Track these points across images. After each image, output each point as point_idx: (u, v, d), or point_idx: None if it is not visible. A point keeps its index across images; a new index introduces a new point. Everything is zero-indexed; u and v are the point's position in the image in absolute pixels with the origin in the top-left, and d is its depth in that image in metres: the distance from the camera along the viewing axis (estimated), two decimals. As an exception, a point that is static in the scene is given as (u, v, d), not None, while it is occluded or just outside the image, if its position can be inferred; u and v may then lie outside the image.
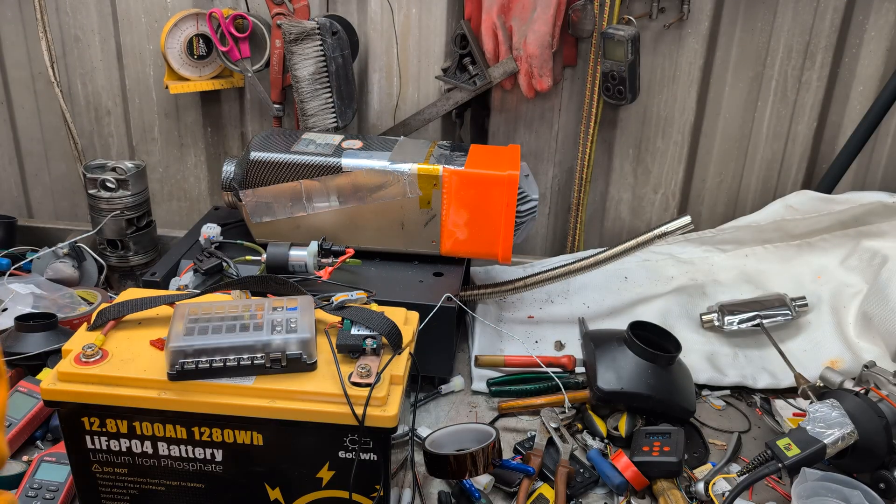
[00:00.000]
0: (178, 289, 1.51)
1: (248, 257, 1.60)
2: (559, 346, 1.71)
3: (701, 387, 1.61)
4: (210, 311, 1.13)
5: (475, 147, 1.69)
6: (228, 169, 1.68)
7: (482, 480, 1.32)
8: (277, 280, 1.29)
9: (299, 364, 1.09)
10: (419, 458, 1.33)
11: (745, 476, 1.24)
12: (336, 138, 1.68)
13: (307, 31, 1.74)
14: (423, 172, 1.58)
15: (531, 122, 1.94)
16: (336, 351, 1.12)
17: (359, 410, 1.05)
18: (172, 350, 1.06)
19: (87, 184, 1.86)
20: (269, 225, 1.64)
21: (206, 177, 2.11)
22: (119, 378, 1.07)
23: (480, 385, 1.59)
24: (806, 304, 1.71)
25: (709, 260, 1.92)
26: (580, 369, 1.57)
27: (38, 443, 1.40)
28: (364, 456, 1.10)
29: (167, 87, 1.88)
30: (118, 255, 1.93)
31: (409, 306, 1.29)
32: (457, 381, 1.60)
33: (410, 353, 1.18)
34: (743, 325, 1.69)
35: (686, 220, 1.58)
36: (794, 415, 1.50)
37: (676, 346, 1.48)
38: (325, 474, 1.13)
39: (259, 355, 1.07)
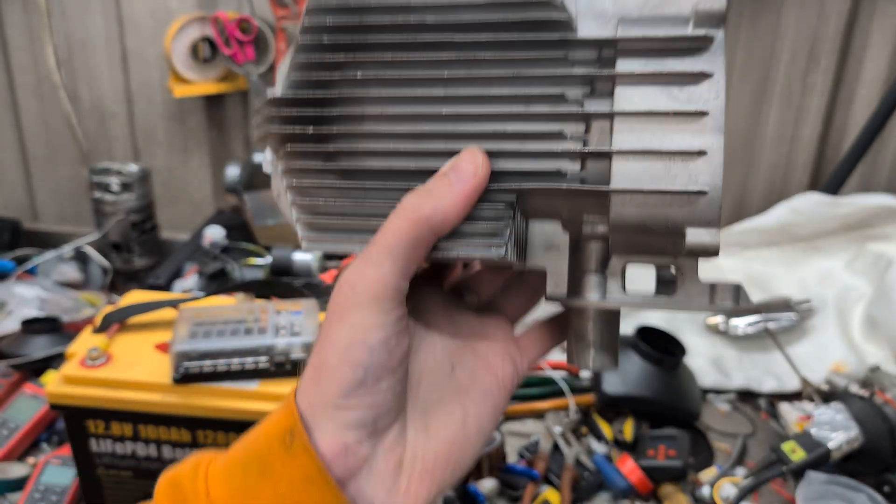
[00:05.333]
0: (182, 292, 1.51)
1: (252, 260, 1.60)
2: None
3: (706, 391, 1.61)
4: (214, 314, 1.13)
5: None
6: (232, 172, 1.68)
7: (486, 485, 1.32)
8: (281, 283, 1.29)
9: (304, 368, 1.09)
10: (423, 461, 1.32)
11: (749, 480, 1.24)
12: (340, 142, 1.68)
13: (311, 34, 1.75)
14: (427, 176, 1.57)
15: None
16: (340, 354, 1.12)
17: (363, 414, 1.05)
18: (176, 353, 1.06)
19: (92, 187, 1.87)
20: (272, 228, 1.65)
21: (210, 180, 2.11)
22: (123, 381, 1.07)
23: (484, 388, 1.59)
24: (811, 308, 1.71)
25: (713, 263, 1.92)
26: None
27: (44, 444, 1.40)
28: (368, 459, 1.10)
29: (171, 91, 1.89)
30: (123, 258, 1.93)
31: (413, 309, 1.29)
32: (461, 385, 1.60)
33: (414, 356, 1.18)
34: (748, 329, 1.68)
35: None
36: (800, 418, 1.49)
37: (682, 350, 1.47)
38: (329, 478, 1.12)
39: (263, 359, 1.07)
